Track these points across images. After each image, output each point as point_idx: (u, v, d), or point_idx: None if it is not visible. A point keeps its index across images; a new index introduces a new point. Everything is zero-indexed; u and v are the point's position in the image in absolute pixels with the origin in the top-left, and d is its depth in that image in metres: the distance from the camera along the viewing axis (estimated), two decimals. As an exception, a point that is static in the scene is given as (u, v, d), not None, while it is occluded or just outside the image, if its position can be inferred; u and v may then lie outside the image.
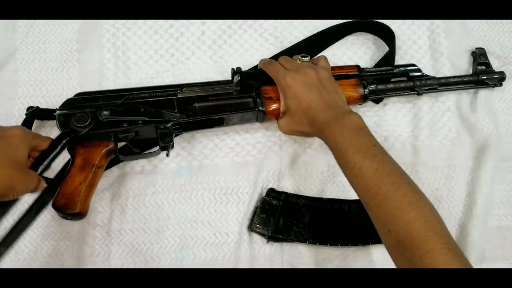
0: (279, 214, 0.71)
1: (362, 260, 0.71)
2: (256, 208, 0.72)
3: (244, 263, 0.71)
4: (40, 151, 0.61)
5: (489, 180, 0.76)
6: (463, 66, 0.84)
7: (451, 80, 0.79)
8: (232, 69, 0.71)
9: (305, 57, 0.72)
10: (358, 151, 0.58)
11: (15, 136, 0.57)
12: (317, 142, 0.78)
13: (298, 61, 0.72)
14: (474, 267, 0.71)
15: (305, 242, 0.70)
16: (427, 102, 0.80)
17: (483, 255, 0.73)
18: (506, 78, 0.81)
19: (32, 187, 0.58)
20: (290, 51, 0.81)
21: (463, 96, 0.81)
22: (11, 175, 0.54)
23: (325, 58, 0.74)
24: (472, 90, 0.82)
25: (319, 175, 0.76)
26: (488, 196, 0.75)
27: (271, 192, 0.72)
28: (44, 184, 0.60)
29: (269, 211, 0.71)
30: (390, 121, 0.80)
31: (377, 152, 0.58)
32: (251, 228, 0.71)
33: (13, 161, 0.55)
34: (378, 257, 0.72)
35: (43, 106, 0.76)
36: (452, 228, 0.75)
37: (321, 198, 0.73)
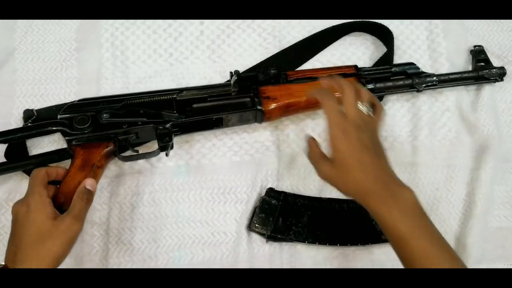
0: (278, 214, 0.71)
1: (361, 260, 0.71)
2: (255, 207, 0.72)
3: (242, 263, 0.71)
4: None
5: (489, 181, 0.75)
6: (462, 66, 0.84)
7: (451, 76, 0.78)
8: (231, 72, 0.72)
9: (367, 107, 0.61)
10: (422, 238, 0.53)
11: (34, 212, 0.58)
12: (316, 142, 0.78)
13: (360, 105, 0.60)
14: (474, 267, 0.72)
15: (304, 242, 0.70)
16: (426, 102, 0.80)
17: (483, 255, 0.73)
18: (507, 79, 0.81)
19: (76, 229, 0.58)
20: (289, 51, 0.82)
21: (463, 96, 0.81)
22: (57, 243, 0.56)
23: (383, 109, 0.64)
24: (473, 90, 0.82)
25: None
26: (488, 196, 0.75)
27: (271, 191, 0.72)
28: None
29: (268, 211, 0.71)
30: (389, 120, 0.79)
31: (438, 235, 0.55)
32: (250, 227, 0.71)
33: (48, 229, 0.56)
34: (378, 257, 0.72)
35: (42, 105, 0.76)
36: (452, 228, 0.74)
37: (320, 198, 0.73)
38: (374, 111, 0.61)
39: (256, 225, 0.70)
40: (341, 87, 0.60)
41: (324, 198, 0.73)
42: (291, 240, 0.70)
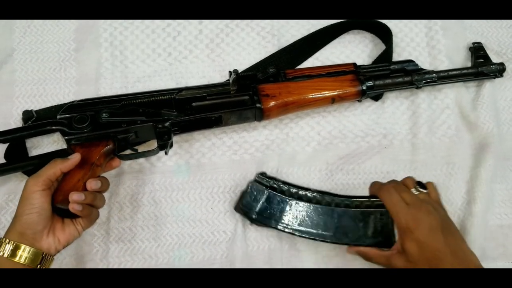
0: (266, 199, 0.70)
1: (360, 259, 0.71)
2: (244, 190, 0.71)
3: (242, 262, 0.71)
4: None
5: (489, 179, 0.75)
6: (461, 63, 0.84)
7: (450, 73, 0.78)
8: (230, 71, 0.72)
9: (423, 187, 0.64)
10: None
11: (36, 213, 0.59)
12: (315, 140, 0.78)
13: (414, 190, 0.64)
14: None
15: (283, 231, 0.68)
16: (425, 100, 0.80)
17: (484, 253, 0.73)
18: (507, 77, 0.81)
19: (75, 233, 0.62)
20: (288, 50, 0.81)
21: (463, 93, 0.81)
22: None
23: (435, 186, 0.67)
24: (472, 87, 0.82)
25: (317, 173, 0.76)
26: (488, 194, 0.75)
27: (261, 175, 0.71)
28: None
29: (256, 195, 0.70)
30: (389, 118, 0.80)
31: None
32: (236, 208, 0.71)
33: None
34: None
35: (41, 105, 0.77)
36: (451, 226, 0.74)
37: (309, 189, 0.71)
38: (427, 189, 0.64)
39: (242, 207, 0.70)
40: (385, 186, 0.65)
41: (313, 189, 0.71)
42: (274, 227, 0.69)
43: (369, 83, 0.75)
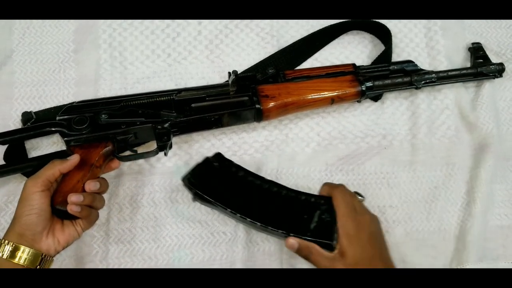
0: (215, 178, 0.67)
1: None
2: (198, 163, 0.68)
3: (242, 263, 0.71)
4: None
5: (489, 179, 0.75)
6: (460, 63, 0.84)
7: (450, 73, 0.78)
8: (229, 72, 0.72)
9: (361, 196, 0.66)
10: None
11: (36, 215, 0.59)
12: (315, 141, 0.78)
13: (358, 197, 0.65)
14: (475, 266, 0.71)
15: (225, 210, 0.65)
16: (425, 100, 0.80)
17: (484, 254, 0.73)
18: (507, 77, 0.81)
19: (74, 234, 0.63)
20: (287, 50, 0.81)
21: (462, 94, 0.81)
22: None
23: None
24: (472, 88, 0.82)
25: (317, 174, 0.76)
26: (488, 195, 0.75)
27: (218, 155, 0.69)
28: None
29: (206, 171, 0.67)
30: (388, 119, 0.79)
31: None
32: (183, 179, 0.67)
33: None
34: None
35: (40, 107, 0.77)
36: (451, 226, 0.74)
37: (263, 178, 0.68)
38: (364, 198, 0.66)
39: (189, 179, 0.66)
40: (339, 187, 0.65)
41: (266, 179, 0.68)
42: (216, 205, 0.66)
43: (369, 84, 0.75)
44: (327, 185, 0.67)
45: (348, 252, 0.59)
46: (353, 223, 0.60)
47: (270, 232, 0.65)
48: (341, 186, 0.65)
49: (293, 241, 0.62)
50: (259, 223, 0.64)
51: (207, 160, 0.68)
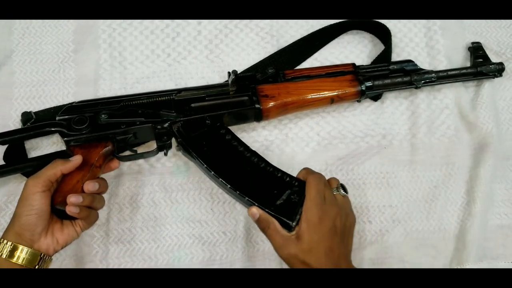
0: (203, 133, 0.68)
1: (354, 259, 0.71)
2: (192, 117, 0.69)
3: (242, 263, 0.71)
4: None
5: (489, 179, 0.75)
6: (460, 63, 0.84)
7: (450, 73, 0.78)
8: (229, 72, 0.72)
9: (345, 191, 0.65)
10: None
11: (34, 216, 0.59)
12: (314, 141, 0.78)
13: (335, 190, 0.65)
14: (475, 266, 0.71)
15: (203, 165, 0.67)
16: (424, 100, 0.80)
17: (484, 253, 0.73)
18: (506, 77, 0.81)
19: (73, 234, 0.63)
20: (287, 50, 0.81)
21: (462, 93, 0.81)
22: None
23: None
24: (471, 88, 0.82)
25: (317, 174, 0.76)
26: (488, 194, 0.75)
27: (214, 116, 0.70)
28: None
29: (197, 125, 0.69)
30: (388, 118, 0.79)
31: None
32: (172, 124, 0.69)
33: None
34: (372, 256, 0.72)
35: (40, 107, 0.77)
36: (451, 226, 0.74)
37: (247, 147, 0.69)
38: (348, 193, 0.66)
39: (179, 128, 0.68)
40: (316, 174, 0.65)
41: (251, 148, 0.69)
42: (196, 158, 0.67)
43: (368, 83, 0.75)
44: (305, 169, 0.67)
45: (304, 236, 0.59)
46: (318, 211, 0.60)
47: (237, 197, 0.66)
48: (318, 174, 0.65)
49: (255, 210, 0.63)
50: (229, 185, 0.65)
51: (202, 117, 0.69)
